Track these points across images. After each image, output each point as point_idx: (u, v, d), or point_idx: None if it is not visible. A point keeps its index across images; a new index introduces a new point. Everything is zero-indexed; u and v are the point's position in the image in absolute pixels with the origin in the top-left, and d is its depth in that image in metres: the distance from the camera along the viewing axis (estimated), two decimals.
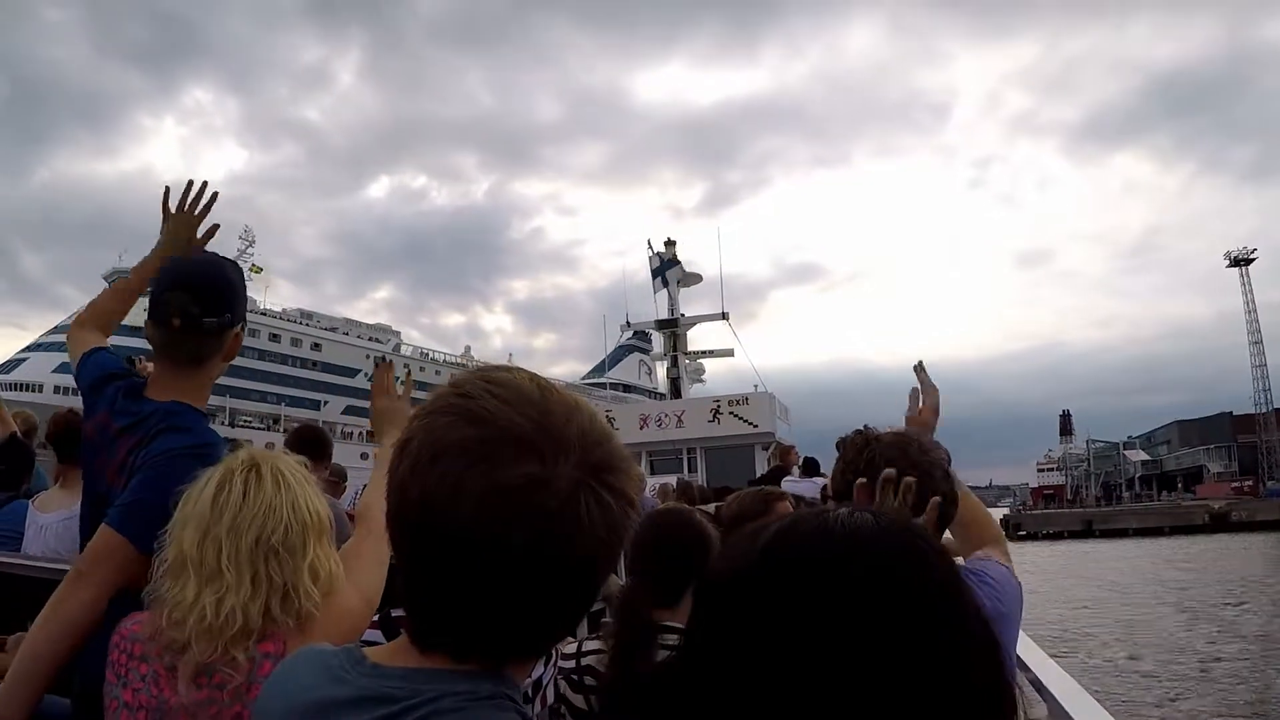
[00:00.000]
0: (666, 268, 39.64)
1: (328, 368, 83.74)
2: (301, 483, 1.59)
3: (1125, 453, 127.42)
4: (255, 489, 1.52)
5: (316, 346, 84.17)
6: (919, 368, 2.44)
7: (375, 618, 2.02)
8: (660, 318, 39.36)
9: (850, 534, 0.70)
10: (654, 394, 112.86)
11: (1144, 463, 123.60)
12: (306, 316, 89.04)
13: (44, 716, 1.70)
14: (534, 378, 0.83)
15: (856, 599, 0.65)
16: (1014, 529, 71.18)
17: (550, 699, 2.02)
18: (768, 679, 0.65)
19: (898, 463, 1.86)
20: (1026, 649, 2.06)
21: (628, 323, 41.51)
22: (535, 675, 1.95)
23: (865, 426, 2.08)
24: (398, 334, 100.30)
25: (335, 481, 5.73)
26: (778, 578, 0.68)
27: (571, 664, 2.06)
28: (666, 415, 21.01)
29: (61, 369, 62.54)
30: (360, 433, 71.20)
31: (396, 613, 1.94)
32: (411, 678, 0.79)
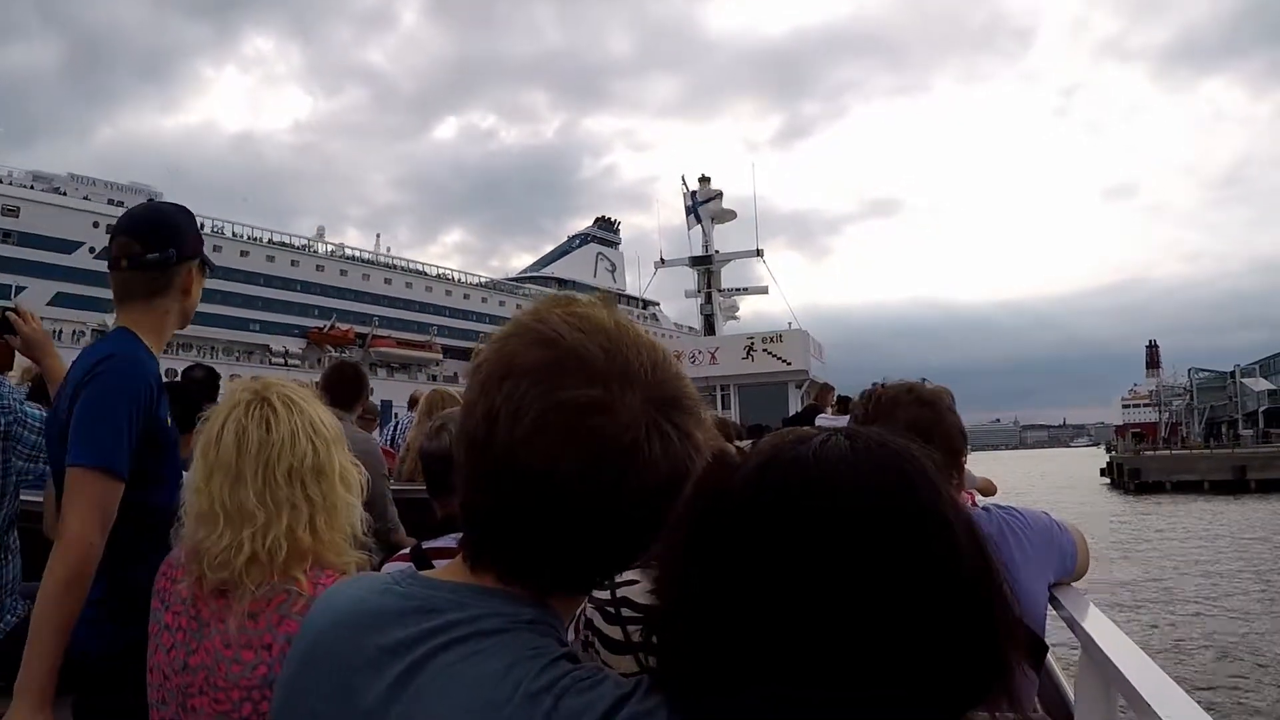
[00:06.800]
0: (700, 204, 39.10)
1: (28, 239, 58.67)
2: (308, 399, 1.63)
3: (1244, 381, 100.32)
4: (273, 421, 1.53)
5: (11, 211, 58.89)
6: None
7: (407, 550, 2.04)
8: (694, 254, 38.98)
9: (822, 461, 0.69)
10: (618, 296, 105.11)
11: (1270, 393, 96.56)
12: (40, 179, 64.58)
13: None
14: (612, 313, 0.83)
15: (824, 527, 0.65)
16: (1129, 477, 52.45)
17: (581, 631, 2.03)
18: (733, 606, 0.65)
19: (902, 399, 2.00)
20: (1061, 589, 2.03)
21: (661, 259, 41.21)
22: None
23: (874, 384, 2.20)
24: (158, 196, 63.79)
25: (370, 419, 5.76)
26: (752, 510, 0.68)
27: (605, 594, 2.05)
28: (700, 352, 20.99)
29: None
30: (76, 331, 52.72)
31: (429, 544, 1.95)
32: (458, 592, 0.79)
